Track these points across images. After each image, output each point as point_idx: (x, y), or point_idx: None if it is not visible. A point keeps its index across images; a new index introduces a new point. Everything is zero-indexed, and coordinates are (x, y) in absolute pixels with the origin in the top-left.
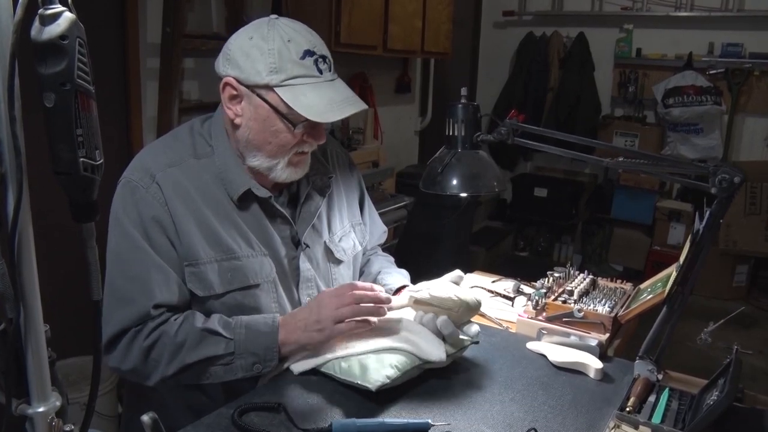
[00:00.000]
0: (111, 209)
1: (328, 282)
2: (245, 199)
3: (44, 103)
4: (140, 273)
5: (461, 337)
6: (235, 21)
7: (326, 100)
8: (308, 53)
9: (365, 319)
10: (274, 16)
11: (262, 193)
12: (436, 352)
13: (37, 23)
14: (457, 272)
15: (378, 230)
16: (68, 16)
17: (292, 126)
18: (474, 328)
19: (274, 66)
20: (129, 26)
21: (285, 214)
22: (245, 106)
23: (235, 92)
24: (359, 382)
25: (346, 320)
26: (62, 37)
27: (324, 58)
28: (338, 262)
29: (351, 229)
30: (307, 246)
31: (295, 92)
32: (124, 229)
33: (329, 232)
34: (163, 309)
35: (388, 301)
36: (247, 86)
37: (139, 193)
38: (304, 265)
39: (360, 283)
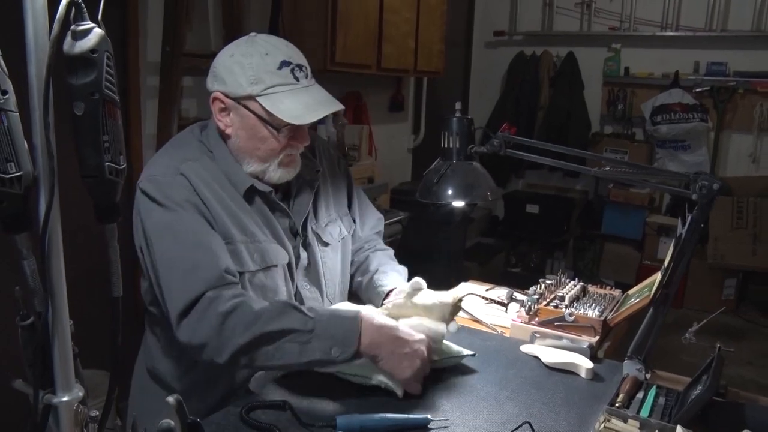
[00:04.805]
0: (138, 210)
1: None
2: (250, 194)
3: (74, 112)
4: (201, 240)
5: (461, 349)
6: (233, 40)
7: (302, 105)
8: (284, 63)
9: None
10: (253, 33)
11: (263, 187)
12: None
13: (69, 38)
14: (416, 279)
15: (372, 217)
16: (98, 31)
17: (276, 131)
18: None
19: (253, 78)
20: (130, 45)
21: (284, 207)
22: (233, 117)
23: (223, 105)
24: (387, 382)
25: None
26: (92, 50)
27: (300, 66)
28: (326, 244)
29: (337, 218)
30: (305, 235)
31: (273, 100)
32: (169, 210)
33: (315, 220)
34: (233, 277)
35: None
36: (233, 99)
37: (167, 183)
38: (303, 253)
39: None
